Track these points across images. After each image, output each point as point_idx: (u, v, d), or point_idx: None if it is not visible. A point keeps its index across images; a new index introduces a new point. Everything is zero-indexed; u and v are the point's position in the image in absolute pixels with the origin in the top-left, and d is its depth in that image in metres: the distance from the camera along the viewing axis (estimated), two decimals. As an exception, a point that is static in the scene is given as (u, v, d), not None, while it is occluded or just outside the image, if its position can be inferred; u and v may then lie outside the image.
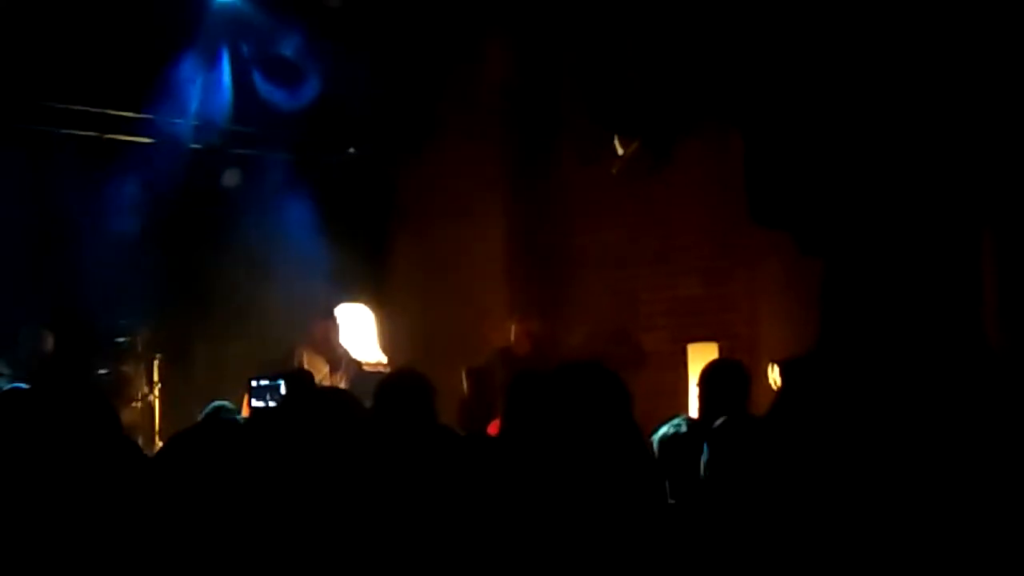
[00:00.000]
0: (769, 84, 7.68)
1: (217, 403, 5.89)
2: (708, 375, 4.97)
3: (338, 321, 8.74)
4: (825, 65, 7.30)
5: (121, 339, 8.84)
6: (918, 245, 6.95)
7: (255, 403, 6.02)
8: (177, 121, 9.17)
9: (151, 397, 8.73)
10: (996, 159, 6.58)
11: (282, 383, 5.96)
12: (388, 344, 9.42)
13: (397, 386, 4.39)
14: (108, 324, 8.86)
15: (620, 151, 8.75)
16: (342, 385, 7.96)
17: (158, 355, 8.92)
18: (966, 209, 6.78)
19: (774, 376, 6.08)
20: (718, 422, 3.70)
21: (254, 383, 6.02)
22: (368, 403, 4.41)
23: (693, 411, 6.41)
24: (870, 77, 7.06)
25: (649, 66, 8.30)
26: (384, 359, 9.08)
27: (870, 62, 7.06)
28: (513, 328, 8.54)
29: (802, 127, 7.49)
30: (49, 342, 8.01)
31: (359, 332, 9.29)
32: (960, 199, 6.76)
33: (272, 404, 5.83)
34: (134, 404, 8.64)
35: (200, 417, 5.33)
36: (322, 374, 8.11)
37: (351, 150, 10.22)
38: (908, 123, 6.90)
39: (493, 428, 5.71)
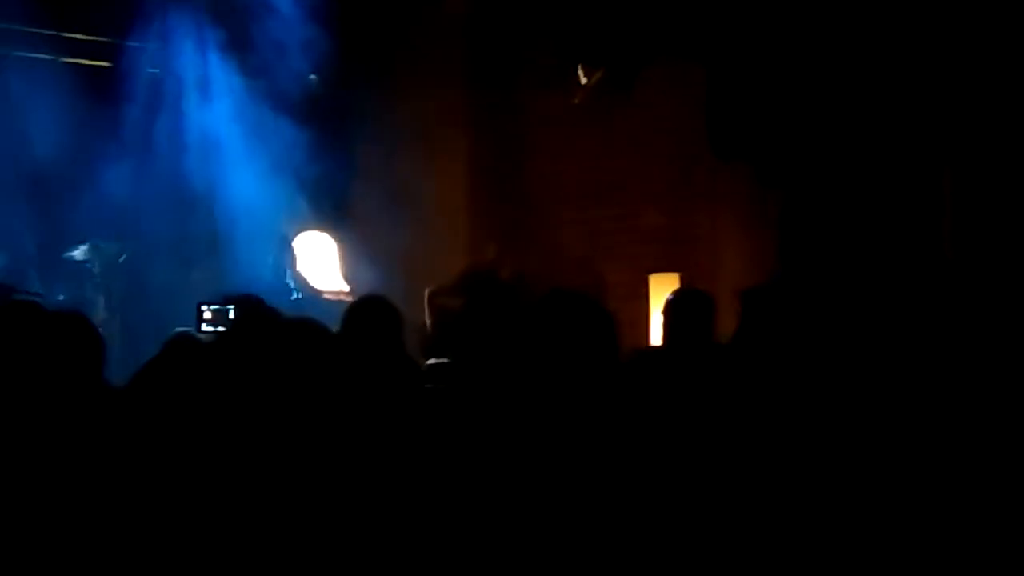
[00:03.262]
0: (732, 17, 7.68)
1: (180, 330, 5.87)
2: (673, 304, 4.96)
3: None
4: (787, 2, 7.31)
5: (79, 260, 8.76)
6: (878, 178, 7.02)
7: (205, 328, 5.99)
8: (136, 45, 9.04)
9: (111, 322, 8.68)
10: (953, 91, 6.63)
11: (231, 308, 5.93)
12: (349, 272, 9.41)
13: (365, 313, 4.39)
14: (63, 249, 8.81)
15: (583, 80, 8.73)
16: None
17: (116, 280, 8.87)
18: (924, 140, 6.84)
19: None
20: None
21: (204, 308, 6.00)
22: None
23: (656, 340, 6.47)
24: (832, 14, 7.08)
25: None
26: (346, 287, 9.06)
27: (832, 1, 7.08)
28: (491, 254, 8.41)
29: (763, 61, 7.51)
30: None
31: (320, 260, 9.26)
32: (918, 130, 6.83)
33: (221, 329, 5.81)
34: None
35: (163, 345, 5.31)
36: None
37: (312, 77, 10.10)
38: (869, 55, 6.93)
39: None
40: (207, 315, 5.98)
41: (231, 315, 5.85)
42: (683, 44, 8.13)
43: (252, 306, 5.65)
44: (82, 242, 8.83)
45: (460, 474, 2.75)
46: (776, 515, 2.75)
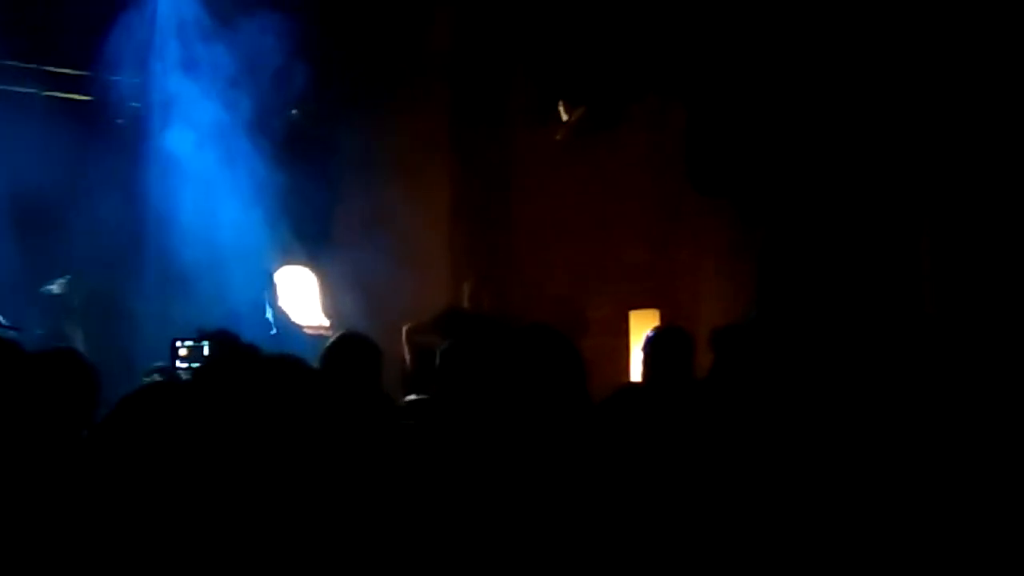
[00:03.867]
0: (712, 56, 7.73)
1: (157, 364, 5.85)
2: (653, 341, 5.00)
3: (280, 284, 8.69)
4: (768, 41, 7.36)
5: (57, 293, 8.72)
6: (857, 216, 7.05)
7: (180, 364, 5.97)
8: (117, 79, 9.05)
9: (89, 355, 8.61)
10: (936, 134, 6.68)
11: (206, 344, 5.91)
12: (330, 308, 9.39)
13: (345, 350, 4.39)
14: (41, 282, 8.78)
15: (565, 117, 8.77)
16: None
17: (96, 314, 8.82)
18: (904, 180, 6.89)
19: None
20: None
21: (179, 344, 5.98)
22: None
23: (636, 376, 6.47)
24: (813, 53, 7.13)
25: (596, 34, 8.32)
26: (326, 323, 9.05)
27: (813, 40, 7.13)
28: (468, 290, 8.43)
29: (745, 99, 7.56)
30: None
31: (301, 295, 9.25)
32: (900, 168, 6.87)
33: (196, 365, 5.79)
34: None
35: (142, 380, 5.29)
36: None
37: (293, 112, 10.12)
38: (851, 96, 6.98)
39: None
40: (182, 351, 5.96)
41: (206, 351, 5.83)
42: (664, 82, 8.18)
43: (227, 343, 5.64)
44: (61, 275, 8.79)
45: (437, 509, 2.75)
46: (751, 548, 2.75)
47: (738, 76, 7.54)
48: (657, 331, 5.17)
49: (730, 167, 7.67)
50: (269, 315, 8.30)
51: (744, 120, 7.52)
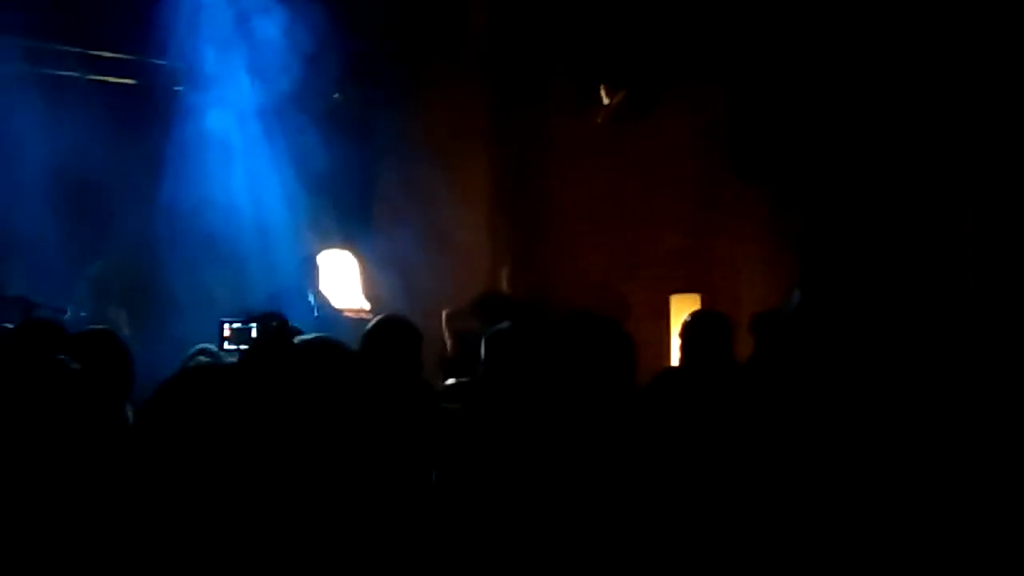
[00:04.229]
0: (754, 39, 7.69)
1: (200, 346, 5.90)
2: (690, 326, 4.98)
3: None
4: (809, 23, 7.31)
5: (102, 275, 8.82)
6: (899, 201, 7.00)
7: (227, 346, 6.00)
8: (160, 62, 9.12)
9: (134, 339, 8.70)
10: (977, 116, 6.62)
11: (253, 327, 5.94)
12: (370, 291, 9.43)
13: (386, 332, 4.40)
14: (87, 265, 8.87)
15: (605, 101, 8.75)
16: None
17: (137, 296, 8.92)
18: (947, 167, 6.83)
19: None
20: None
21: (226, 326, 6.01)
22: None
23: (676, 362, 6.47)
24: (854, 35, 7.08)
25: (637, 16, 8.29)
26: (367, 306, 9.09)
27: (855, 21, 7.08)
28: (506, 275, 8.45)
29: (785, 82, 7.52)
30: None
31: (342, 278, 9.29)
32: (941, 157, 6.81)
33: (243, 347, 5.82)
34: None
35: (184, 362, 5.34)
36: None
37: (336, 96, 10.16)
38: (891, 76, 6.93)
39: None
40: (228, 333, 6.00)
41: (253, 333, 5.87)
42: (705, 65, 8.15)
43: (275, 325, 5.67)
44: (105, 258, 8.88)
45: (479, 492, 2.76)
46: (783, 531, 2.76)
47: (779, 59, 7.50)
48: (694, 315, 5.14)
49: (771, 151, 7.63)
50: (311, 298, 8.35)
51: (785, 103, 7.48)
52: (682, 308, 7.82)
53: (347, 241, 9.63)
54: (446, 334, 6.89)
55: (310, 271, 8.58)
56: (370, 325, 4.52)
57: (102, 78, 9.08)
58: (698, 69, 8.21)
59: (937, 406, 3.03)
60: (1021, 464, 2.84)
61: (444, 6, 9.49)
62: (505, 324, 4.30)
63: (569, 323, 2.74)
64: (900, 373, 3.22)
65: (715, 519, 2.71)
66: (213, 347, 5.90)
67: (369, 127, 10.26)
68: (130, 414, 3.81)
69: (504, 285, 8.26)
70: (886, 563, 2.73)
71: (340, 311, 8.77)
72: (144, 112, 9.15)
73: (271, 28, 9.22)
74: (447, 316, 7.02)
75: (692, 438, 2.88)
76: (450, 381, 5.00)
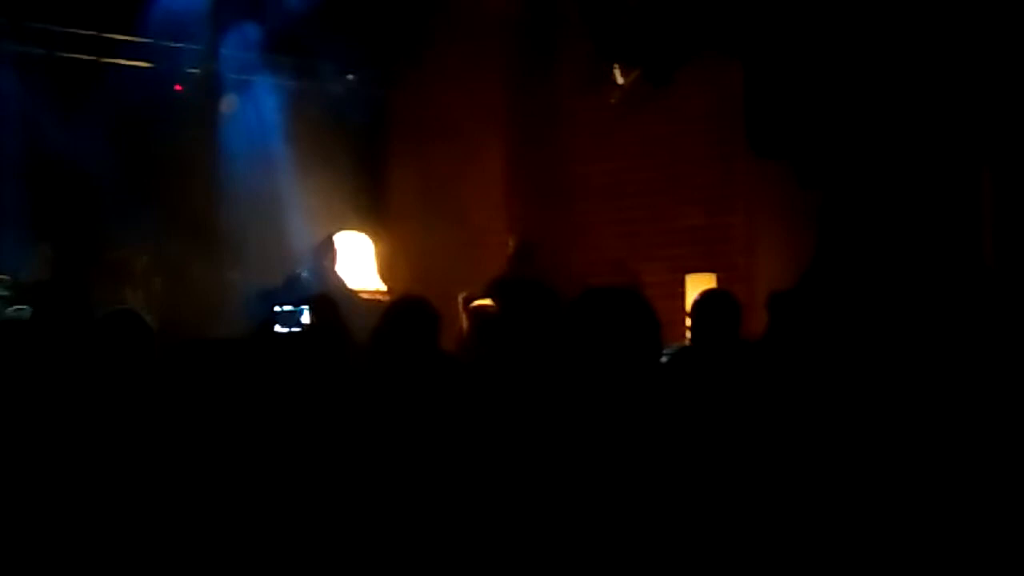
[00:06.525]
0: (769, 16, 7.65)
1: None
2: (698, 305, 4.98)
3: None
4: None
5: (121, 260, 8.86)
6: (916, 178, 6.98)
7: (278, 328, 5.95)
8: (175, 45, 9.13)
9: (149, 320, 8.72)
10: (994, 93, 6.58)
11: (306, 310, 5.88)
12: (386, 272, 9.44)
13: (403, 314, 4.40)
14: (106, 248, 8.91)
15: (620, 80, 8.72)
16: None
17: (156, 278, 8.95)
18: (964, 143, 6.80)
19: None
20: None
21: (277, 308, 5.95)
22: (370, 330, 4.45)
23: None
24: (870, 11, 7.04)
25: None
26: (383, 287, 9.09)
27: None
28: (519, 252, 8.32)
29: (802, 59, 7.48)
30: (49, 265, 8.05)
31: (358, 260, 9.29)
32: (958, 134, 6.78)
33: (295, 330, 5.77)
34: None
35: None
36: None
37: (350, 77, 10.16)
38: (909, 52, 6.89)
39: None
40: (279, 316, 5.91)
41: (302, 317, 5.78)
42: (721, 41, 8.11)
43: (326, 308, 5.61)
44: (123, 243, 8.91)
45: (501, 472, 2.77)
46: (808, 517, 2.75)
47: (795, 34, 7.47)
48: (703, 295, 5.13)
49: (789, 128, 7.60)
50: (306, 273, 8.29)
51: (802, 79, 7.44)
52: (698, 287, 7.79)
53: (363, 222, 9.63)
54: (462, 316, 6.88)
55: (327, 252, 8.56)
56: (388, 307, 4.52)
57: (117, 61, 9.09)
58: (714, 45, 8.17)
59: (952, 387, 3.01)
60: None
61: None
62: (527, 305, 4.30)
63: (592, 299, 2.72)
64: (915, 353, 3.21)
65: (722, 502, 2.71)
66: None
67: (385, 108, 10.26)
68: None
69: (517, 264, 8.18)
70: (895, 548, 2.73)
71: (356, 292, 8.77)
72: (161, 96, 9.17)
73: (288, 8, 9.23)
74: (463, 299, 7.00)
75: (697, 418, 2.87)
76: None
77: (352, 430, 3.38)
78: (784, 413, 3.04)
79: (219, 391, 2.66)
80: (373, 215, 9.86)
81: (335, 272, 8.55)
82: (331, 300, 5.66)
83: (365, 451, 3.19)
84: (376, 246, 9.56)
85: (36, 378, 3.42)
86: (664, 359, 3.98)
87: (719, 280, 8.15)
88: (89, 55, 9.00)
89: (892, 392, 3.03)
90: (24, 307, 6.65)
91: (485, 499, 2.70)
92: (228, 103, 9.61)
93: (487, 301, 6.38)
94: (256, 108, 9.69)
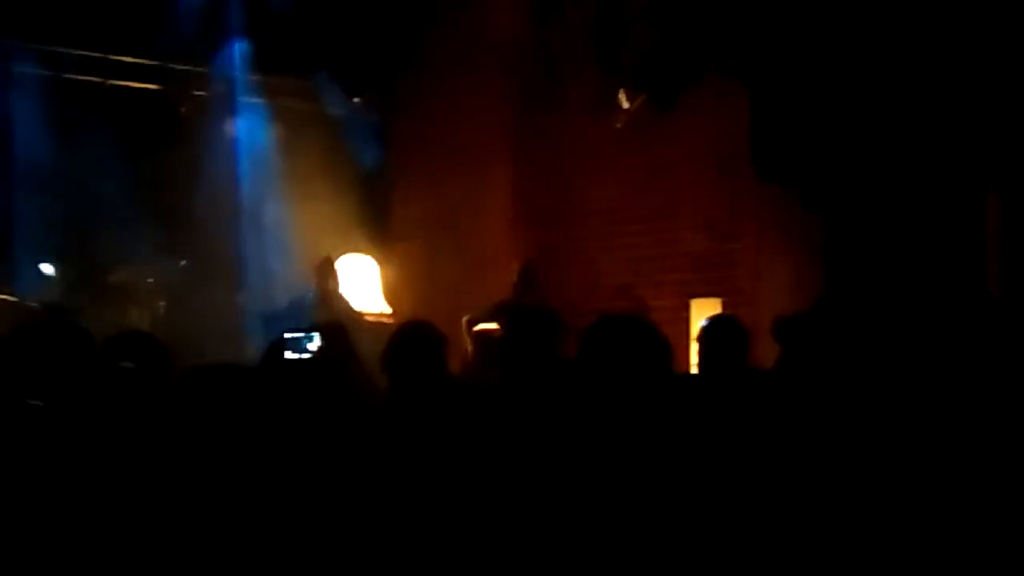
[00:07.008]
0: (775, 39, 7.67)
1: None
2: (706, 331, 4.95)
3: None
4: (831, 23, 7.29)
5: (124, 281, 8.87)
6: (922, 204, 6.97)
7: (288, 355, 5.92)
8: (183, 68, 9.16)
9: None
10: (1000, 119, 6.59)
11: (316, 336, 5.84)
12: (391, 295, 9.44)
13: (411, 337, 4.40)
14: (110, 270, 8.92)
15: (625, 105, 8.73)
16: None
17: (161, 303, 8.95)
18: (970, 168, 6.80)
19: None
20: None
21: (287, 335, 5.92)
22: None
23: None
24: (875, 36, 7.05)
25: (656, 19, 8.28)
26: (388, 310, 9.08)
27: (875, 20, 7.05)
28: (521, 276, 8.31)
29: (808, 83, 7.50)
30: (54, 287, 8.06)
31: (362, 283, 9.29)
32: (964, 159, 6.78)
33: (305, 356, 5.73)
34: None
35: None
36: None
37: (355, 100, 10.19)
38: (914, 81, 6.90)
39: None
40: (288, 343, 5.88)
41: (312, 344, 5.75)
42: (726, 66, 8.12)
43: (336, 335, 5.58)
44: (128, 264, 8.92)
45: (518, 495, 2.76)
46: (797, 535, 2.74)
47: (800, 58, 7.48)
48: (710, 321, 5.11)
49: (794, 153, 7.61)
50: (310, 295, 8.27)
51: (807, 104, 7.45)
52: (703, 313, 7.77)
53: (369, 245, 9.64)
54: (467, 340, 6.88)
55: (328, 273, 8.56)
56: (394, 331, 4.52)
57: (125, 83, 9.13)
58: (719, 70, 8.19)
59: (960, 411, 3.00)
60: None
61: (466, 12, 9.50)
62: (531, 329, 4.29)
63: (604, 328, 2.72)
64: (923, 377, 3.20)
65: (738, 528, 2.69)
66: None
67: (391, 131, 10.29)
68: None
69: (520, 288, 8.17)
70: (906, 565, 2.71)
71: (361, 315, 8.77)
72: (165, 118, 9.20)
73: (292, 34, 9.27)
74: (467, 321, 7.00)
75: (714, 446, 2.86)
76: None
77: (367, 457, 3.37)
78: (803, 443, 3.02)
79: (234, 419, 2.65)
80: (378, 238, 9.87)
81: (339, 294, 8.56)
82: (342, 327, 5.64)
83: (383, 478, 3.18)
84: (381, 269, 9.57)
85: (47, 397, 3.41)
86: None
87: (724, 305, 8.13)
88: (96, 76, 9.02)
89: (907, 420, 3.02)
90: None
91: (500, 523, 2.69)
92: (234, 126, 9.64)
93: (491, 325, 6.39)
94: (261, 131, 9.72)
